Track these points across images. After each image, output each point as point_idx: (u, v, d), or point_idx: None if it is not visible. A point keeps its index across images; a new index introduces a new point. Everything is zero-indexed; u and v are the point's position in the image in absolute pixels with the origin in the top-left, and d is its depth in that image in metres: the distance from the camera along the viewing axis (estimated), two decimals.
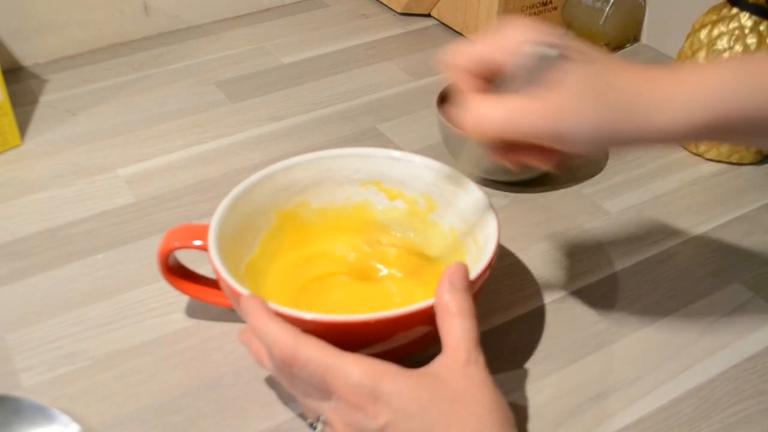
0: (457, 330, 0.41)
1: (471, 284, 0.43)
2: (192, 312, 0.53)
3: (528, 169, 0.52)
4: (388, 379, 0.38)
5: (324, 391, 0.39)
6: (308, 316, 0.42)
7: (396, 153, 0.55)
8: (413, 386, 0.38)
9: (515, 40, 0.41)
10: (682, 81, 0.41)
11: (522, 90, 0.41)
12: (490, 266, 0.46)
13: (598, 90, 0.40)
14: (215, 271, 0.45)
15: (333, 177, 0.55)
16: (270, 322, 0.40)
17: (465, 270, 0.43)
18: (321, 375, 0.39)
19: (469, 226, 0.51)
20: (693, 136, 0.42)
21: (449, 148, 0.65)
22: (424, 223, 0.55)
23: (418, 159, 0.54)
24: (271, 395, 0.48)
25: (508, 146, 0.43)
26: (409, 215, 0.55)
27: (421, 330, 0.44)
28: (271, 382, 0.48)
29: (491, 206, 0.50)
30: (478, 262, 0.46)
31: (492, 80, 0.43)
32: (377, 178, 0.55)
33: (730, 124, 0.41)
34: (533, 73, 0.40)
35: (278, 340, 0.40)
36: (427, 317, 0.43)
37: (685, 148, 0.69)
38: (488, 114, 0.41)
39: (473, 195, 0.51)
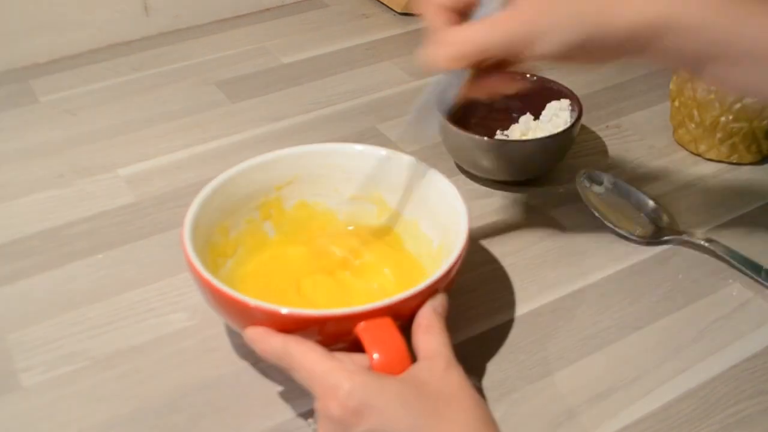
0: (434, 342, 0.42)
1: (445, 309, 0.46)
2: (192, 312, 0.53)
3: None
4: (376, 393, 0.38)
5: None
6: (285, 310, 0.42)
7: (359, 147, 0.56)
8: (398, 393, 0.39)
9: None
10: None
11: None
12: (460, 257, 0.47)
13: None
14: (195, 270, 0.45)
15: (305, 174, 0.55)
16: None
17: (446, 301, 0.45)
18: (308, 384, 0.40)
19: (439, 219, 0.52)
20: (645, 39, 0.43)
21: (448, 146, 0.65)
22: (393, 217, 0.56)
23: (385, 152, 0.55)
24: (271, 395, 0.48)
25: (478, 74, 0.46)
26: (379, 211, 0.56)
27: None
28: (270, 382, 0.48)
29: (460, 198, 0.50)
30: (446, 255, 0.47)
31: (466, 14, 0.46)
32: (355, 175, 0.56)
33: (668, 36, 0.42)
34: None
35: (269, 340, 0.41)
36: (407, 309, 0.44)
37: (685, 148, 0.69)
38: (464, 35, 0.44)
39: (444, 187, 0.52)
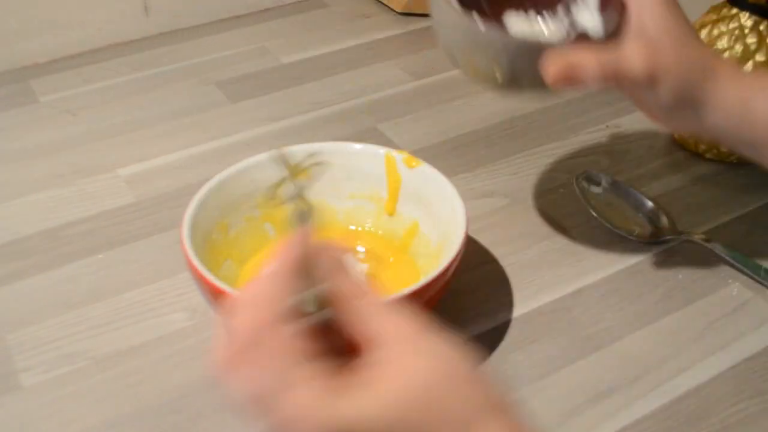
0: (387, 324, 0.32)
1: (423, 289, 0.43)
2: (192, 312, 0.53)
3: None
4: (346, 407, 0.30)
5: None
6: None
7: (359, 146, 0.56)
8: (377, 400, 0.30)
9: None
10: (735, 77, 0.46)
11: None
12: (458, 256, 0.47)
13: (682, 36, 0.45)
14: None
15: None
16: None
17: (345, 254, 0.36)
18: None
19: (438, 219, 0.52)
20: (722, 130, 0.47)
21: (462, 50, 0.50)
22: (393, 216, 0.56)
23: (384, 151, 0.55)
24: None
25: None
26: (379, 210, 0.56)
27: None
28: None
29: (459, 198, 0.50)
30: (445, 255, 0.47)
31: None
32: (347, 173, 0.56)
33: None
34: None
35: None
36: (410, 302, 0.44)
37: (685, 148, 0.69)
38: (586, 63, 0.44)
39: (444, 187, 0.52)
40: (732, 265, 0.56)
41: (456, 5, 0.48)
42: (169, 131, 0.73)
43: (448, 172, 0.55)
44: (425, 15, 0.92)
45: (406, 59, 0.84)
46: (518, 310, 0.54)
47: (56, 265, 0.57)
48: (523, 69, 0.46)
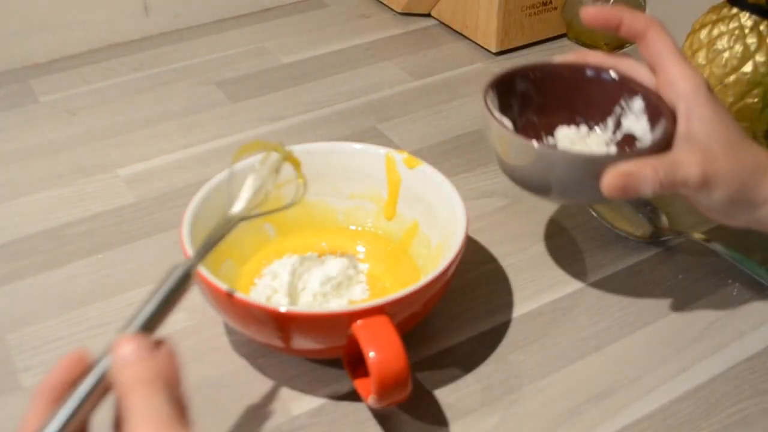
0: (141, 406, 0.31)
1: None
2: (192, 312, 0.53)
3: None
4: None
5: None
6: (283, 309, 0.42)
7: (359, 146, 0.56)
8: None
9: None
10: None
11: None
12: (457, 258, 0.47)
13: (732, 140, 0.46)
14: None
15: (305, 173, 0.55)
16: None
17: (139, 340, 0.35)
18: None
19: (438, 219, 0.52)
20: None
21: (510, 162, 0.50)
22: (393, 216, 0.56)
23: (384, 151, 0.55)
24: (271, 395, 0.48)
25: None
26: (379, 210, 0.56)
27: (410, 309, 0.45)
28: (271, 381, 0.48)
29: (459, 197, 0.50)
30: (445, 255, 0.47)
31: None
32: (342, 172, 0.56)
33: None
34: None
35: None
36: (404, 308, 0.44)
37: None
38: (642, 172, 0.44)
39: (444, 187, 0.52)
40: (732, 265, 0.56)
41: (509, 125, 0.51)
42: (169, 131, 0.73)
43: (448, 172, 0.55)
44: (425, 15, 0.93)
45: (406, 59, 0.84)
46: (518, 310, 0.54)
47: (56, 265, 0.57)
48: (576, 182, 0.47)
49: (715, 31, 0.64)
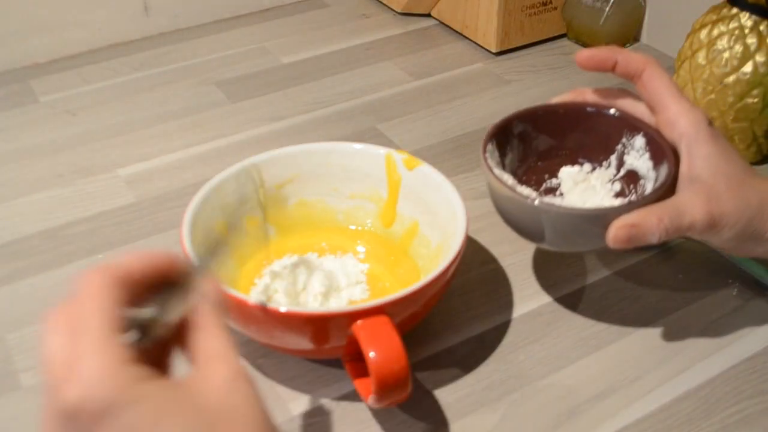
0: (214, 342, 0.33)
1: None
2: None
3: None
4: (130, 400, 0.29)
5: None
6: (283, 308, 0.42)
7: (359, 146, 0.56)
8: (162, 405, 0.29)
9: None
10: None
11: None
12: (458, 257, 0.47)
13: (737, 178, 0.45)
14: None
15: (305, 173, 0.56)
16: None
17: (219, 291, 0.35)
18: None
19: (438, 219, 0.52)
20: None
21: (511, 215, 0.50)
22: (393, 216, 0.56)
23: (384, 151, 0.55)
24: (270, 394, 0.48)
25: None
26: (378, 210, 0.56)
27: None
28: (270, 381, 0.48)
29: (459, 198, 0.50)
30: (444, 255, 0.47)
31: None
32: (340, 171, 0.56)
33: None
34: None
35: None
36: (404, 308, 0.44)
37: None
38: (647, 222, 0.43)
39: (443, 187, 0.52)
40: (732, 265, 0.56)
41: (510, 182, 0.50)
42: (169, 131, 0.73)
43: (448, 172, 0.55)
44: (425, 15, 0.93)
45: (406, 59, 0.84)
46: (518, 310, 0.54)
47: (56, 265, 0.57)
48: (579, 236, 0.47)
49: (715, 31, 0.64)
